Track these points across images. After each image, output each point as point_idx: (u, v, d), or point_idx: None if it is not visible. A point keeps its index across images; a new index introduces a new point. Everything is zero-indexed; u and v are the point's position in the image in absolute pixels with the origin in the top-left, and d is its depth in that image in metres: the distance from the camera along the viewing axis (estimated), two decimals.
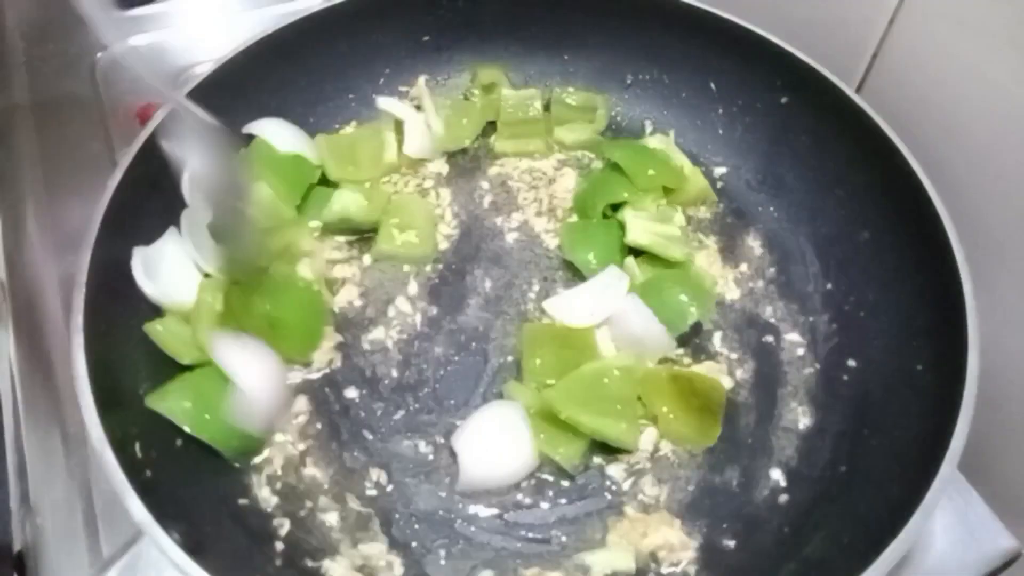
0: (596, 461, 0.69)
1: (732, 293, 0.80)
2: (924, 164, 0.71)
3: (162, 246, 0.72)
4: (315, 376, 0.74)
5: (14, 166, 0.93)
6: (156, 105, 0.85)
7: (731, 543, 0.66)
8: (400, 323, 0.77)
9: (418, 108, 0.88)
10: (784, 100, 0.83)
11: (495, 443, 0.66)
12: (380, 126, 0.87)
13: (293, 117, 0.85)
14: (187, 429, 0.63)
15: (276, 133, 0.81)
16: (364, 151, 0.85)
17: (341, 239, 0.82)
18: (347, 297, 0.78)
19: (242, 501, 0.65)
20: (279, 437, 0.69)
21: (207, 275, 0.73)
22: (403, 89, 0.92)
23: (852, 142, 0.77)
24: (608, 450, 0.69)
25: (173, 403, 0.63)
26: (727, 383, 0.73)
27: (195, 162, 0.62)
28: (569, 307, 0.76)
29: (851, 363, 0.74)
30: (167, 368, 0.68)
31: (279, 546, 0.64)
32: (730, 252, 0.83)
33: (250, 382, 0.64)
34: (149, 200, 0.71)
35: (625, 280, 0.75)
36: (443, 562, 0.64)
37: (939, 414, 0.60)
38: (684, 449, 0.70)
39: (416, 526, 0.66)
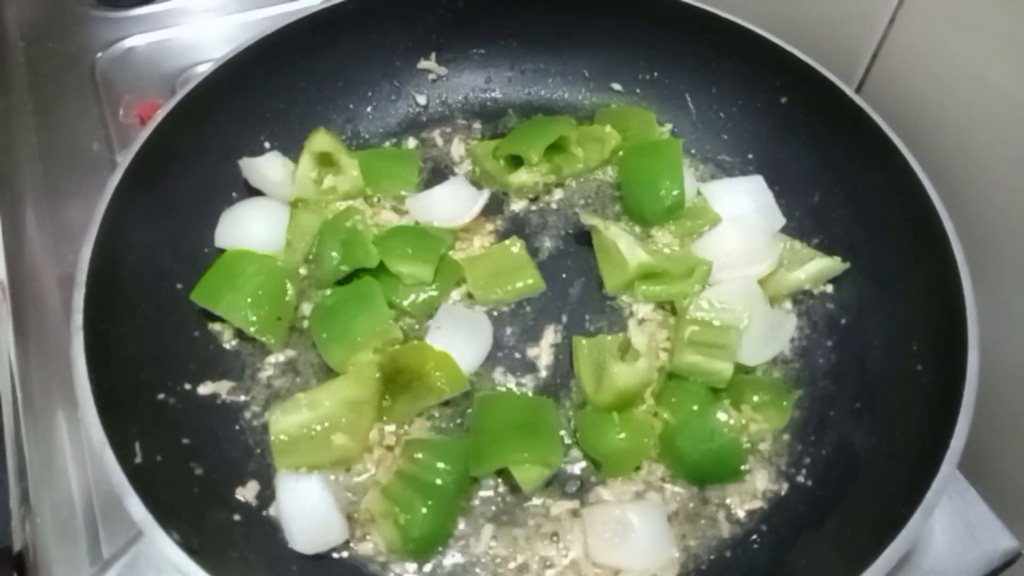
0: None
1: None
2: (924, 164, 0.71)
3: None
4: None
5: (14, 166, 0.93)
6: (156, 105, 0.85)
7: (730, 540, 0.66)
8: None
9: None
10: (784, 100, 0.83)
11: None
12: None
13: (293, 117, 0.86)
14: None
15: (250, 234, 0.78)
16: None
17: None
18: None
19: (243, 501, 0.65)
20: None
21: None
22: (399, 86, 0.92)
23: (852, 142, 0.77)
24: None
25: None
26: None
27: None
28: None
29: (851, 363, 0.74)
30: (167, 367, 0.69)
31: (279, 546, 0.64)
32: None
33: (299, 518, 0.63)
34: (149, 200, 0.71)
35: None
36: None
37: (939, 414, 0.60)
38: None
39: None
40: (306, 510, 0.63)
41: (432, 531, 0.63)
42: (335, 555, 0.64)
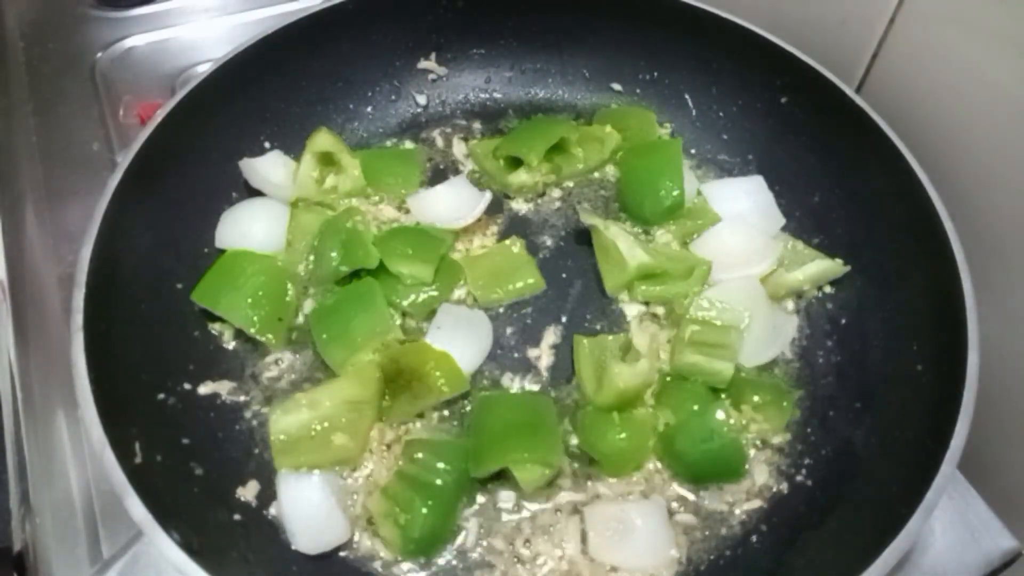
0: None
1: None
2: (924, 164, 0.71)
3: None
4: None
5: (14, 166, 0.93)
6: (156, 105, 0.85)
7: (729, 540, 0.66)
8: None
9: None
10: (784, 100, 0.83)
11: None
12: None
13: (293, 117, 0.86)
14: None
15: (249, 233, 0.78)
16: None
17: None
18: None
19: (243, 501, 0.65)
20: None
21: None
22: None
23: (852, 142, 0.78)
24: None
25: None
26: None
27: None
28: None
29: (851, 363, 0.74)
30: (167, 367, 0.69)
31: (280, 546, 0.64)
32: None
33: (301, 518, 0.64)
34: (149, 200, 0.71)
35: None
36: None
37: (939, 414, 0.60)
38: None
39: None
40: (308, 510, 0.63)
41: (432, 531, 0.63)
42: (335, 555, 0.64)
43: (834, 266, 0.77)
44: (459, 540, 0.65)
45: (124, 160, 0.70)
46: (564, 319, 0.78)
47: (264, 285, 0.74)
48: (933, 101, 0.77)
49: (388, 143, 0.91)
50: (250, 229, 0.78)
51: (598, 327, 0.77)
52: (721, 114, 0.89)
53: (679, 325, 0.74)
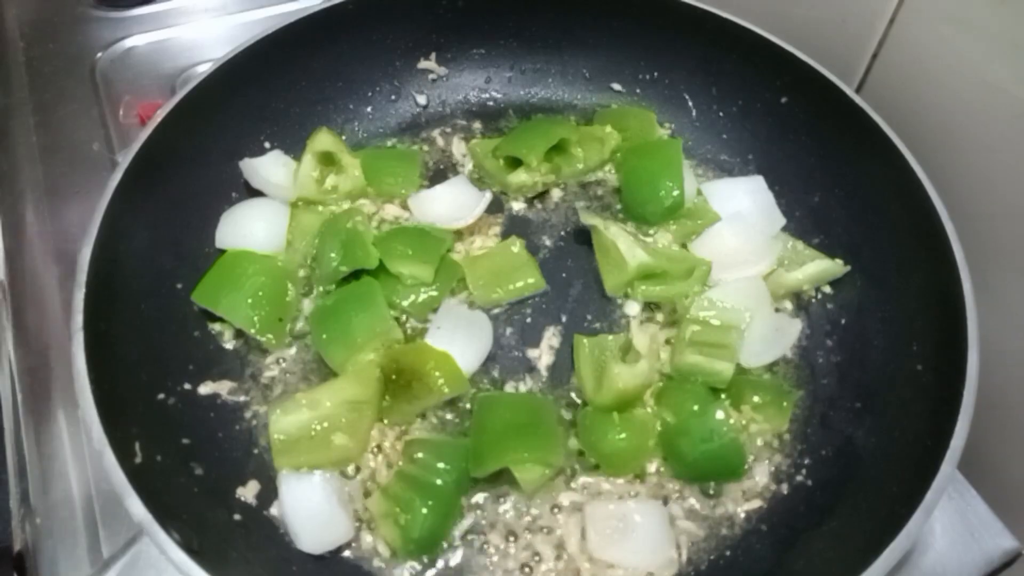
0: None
1: None
2: (924, 164, 0.71)
3: None
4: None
5: (14, 166, 0.93)
6: (156, 105, 0.85)
7: (729, 540, 0.66)
8: None
9: None
10: (784, 100, 0.83)
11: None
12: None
13: (293, 117, 0.86)
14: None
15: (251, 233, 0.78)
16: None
17: None
18: None
19: (243, 501, 0.65)
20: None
21: None
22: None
23: (852, 142, 0.77)
24: None
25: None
26: None
27: None
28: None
29: (851, 363, 0.74)
30: (167, 367, 0.69)
31: (280, 546, 0.64)
32: None
33: (304, 518, 0.63)
34: (149, 200, 0.71)
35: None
36: None
37: (939, 414, 0.60)
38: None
39: None
40: (310, 509, 0.63)
41: (432, 531, 0.63)
42: (336, 555, 0.64)
43: (834, 266, 0.77)
44: (459, 539, 0.65)
45: (124, 160, 0.70)
46: (564, 319, 0.78)
47: (264, 285, 0.74)
48: (933, 101, 0.77)
49: (388, 143, 0.91)
50: (250, 229, 0.78)
51: (598, 327, 0.77)
52: (721, 114, 0.89)
53: (679, 325, 0.74)
